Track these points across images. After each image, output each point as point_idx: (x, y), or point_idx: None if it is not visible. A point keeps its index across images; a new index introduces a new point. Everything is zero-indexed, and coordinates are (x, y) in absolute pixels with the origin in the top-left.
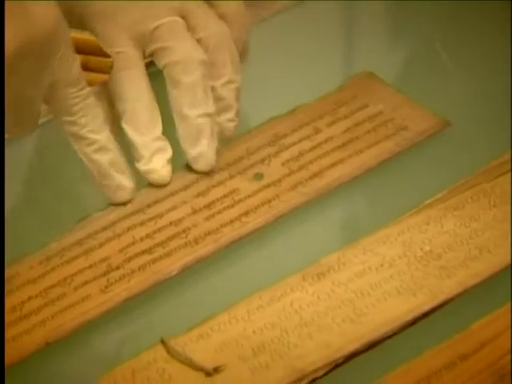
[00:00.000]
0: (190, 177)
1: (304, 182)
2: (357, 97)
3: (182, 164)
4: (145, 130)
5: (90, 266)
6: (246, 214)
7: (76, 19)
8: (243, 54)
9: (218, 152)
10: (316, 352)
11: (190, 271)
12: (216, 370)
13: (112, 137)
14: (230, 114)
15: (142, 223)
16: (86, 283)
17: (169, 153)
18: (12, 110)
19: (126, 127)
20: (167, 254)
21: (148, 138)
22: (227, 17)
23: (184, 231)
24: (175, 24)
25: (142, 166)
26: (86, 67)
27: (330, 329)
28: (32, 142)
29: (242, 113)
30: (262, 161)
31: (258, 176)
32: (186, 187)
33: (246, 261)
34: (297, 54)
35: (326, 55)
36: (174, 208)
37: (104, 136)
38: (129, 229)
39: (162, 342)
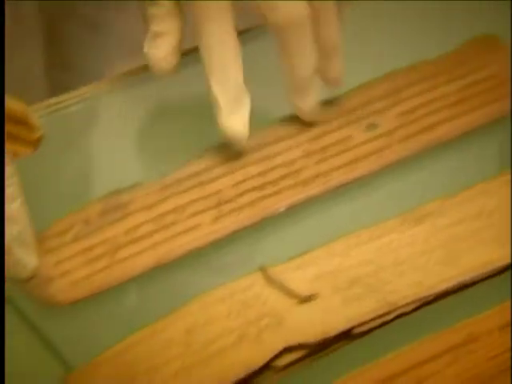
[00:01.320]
0: (307, 122)
1: (415, 135)
2: (476, 57)
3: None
4: (227, 81)
5: (203, 198)
6: (356, 160)
7: None
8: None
9: (335, 101)
10: (408, 289)
11: (296, 209)
12: (310, 297)
13: (24, 207)
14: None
15: (256, 162)
16: (197, 213)
17: (247, 107)
18: None
19: (210, 76)
20: (277, 192)
21: (231, 92)
22: None
23: (295, 172)
24: None
25: (221, 122)
26: (10, 137)
27: (423, 269)
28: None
29: (362, 65)
30: (377, 112)
31: (372, 126)
32: (300, 131)
33: (350, 204)
34: (424, 11)
35: (451, 15)
36: (287, 150)
37: (14, 207)
38: (243, 166)
39: (261, 269)
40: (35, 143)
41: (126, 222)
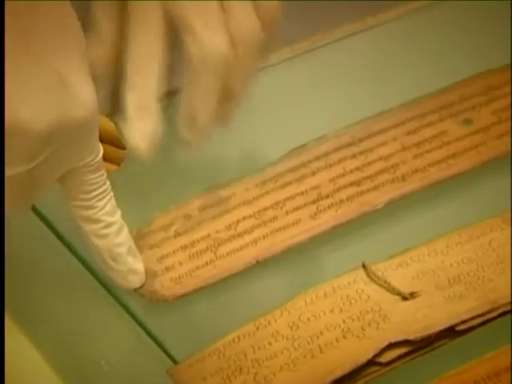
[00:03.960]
0: (403, 116)
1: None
2: None
3: (395, 105)
4: (139, 86)
5: (302, 193)
6: (453, 156)
7: None
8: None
9: (431, 95)
10: (510, 287)
11: (395, 205)
12: (412, 294)
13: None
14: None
15: (353, 156)
16: (296, 209)
17: (153, 120)
18: (12, 192)
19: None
20: (375, 188)
21: (138, 96)
22: (260, 11)
23: (392, 167)
24: (213, 3)
25: (124, 131)
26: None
27: None
28: None
29: (458, 63)
30: (473, 108)
31: (468, 121)
32: (397, 125)
33: (447, 201)
34: None
35: None
36: (384, 143)
37: (119, 217)
38: (340, 160)
39: (364, 266)
40: (120, 161)
41: (226, 217)
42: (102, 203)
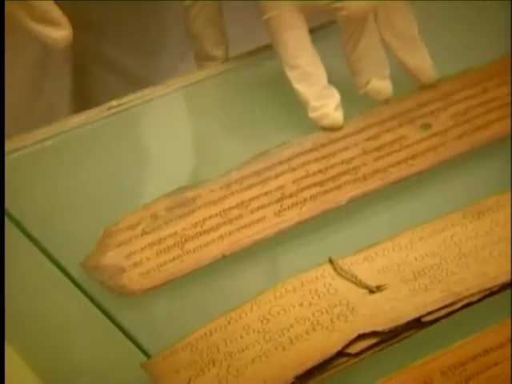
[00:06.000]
0: (362, 123)
1: (469, 134)
2: None
3: (354, 112)
4: (313, 82)
5: (266, 193)
6: (413, 157)
7: None
8: None
9: (389, 103)
10: (473, 279)
11: (357, 203)
12: (379, 288)
13: None
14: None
15: (315, 160)
16: (261, 207)
17: (338, 98)
18: None
19: (296, 83)
20: (337, 187)
21: (317, 89)
22: None
23: (354, 169)
24: None
25: (314, 113)
26: None
27: (486, 261)
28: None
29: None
30: (431, 113)
31: (426, 126)
32: (358, 132)
33: (410, 198)
34: (472, 23)
35: (498, 23)
36: (346, 149)
37: None
38: (303, 164)
39: (330, 260)
40: None
41: (193, 216)
42: None
